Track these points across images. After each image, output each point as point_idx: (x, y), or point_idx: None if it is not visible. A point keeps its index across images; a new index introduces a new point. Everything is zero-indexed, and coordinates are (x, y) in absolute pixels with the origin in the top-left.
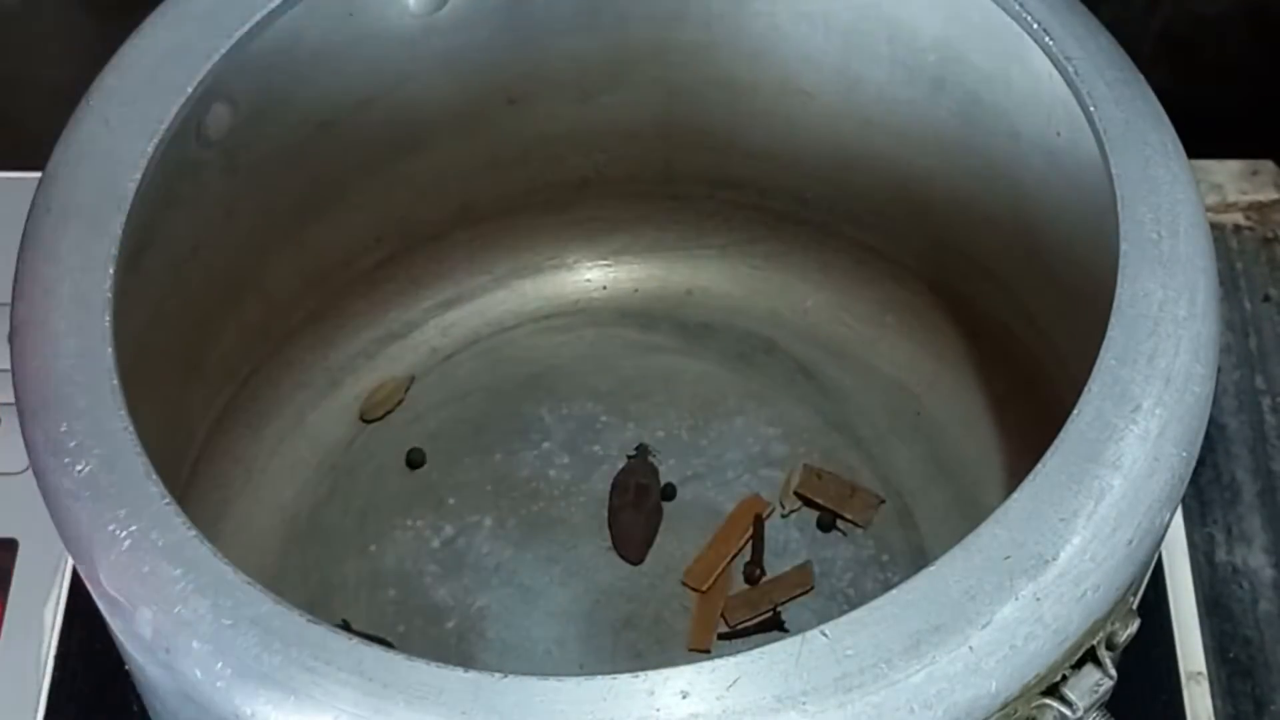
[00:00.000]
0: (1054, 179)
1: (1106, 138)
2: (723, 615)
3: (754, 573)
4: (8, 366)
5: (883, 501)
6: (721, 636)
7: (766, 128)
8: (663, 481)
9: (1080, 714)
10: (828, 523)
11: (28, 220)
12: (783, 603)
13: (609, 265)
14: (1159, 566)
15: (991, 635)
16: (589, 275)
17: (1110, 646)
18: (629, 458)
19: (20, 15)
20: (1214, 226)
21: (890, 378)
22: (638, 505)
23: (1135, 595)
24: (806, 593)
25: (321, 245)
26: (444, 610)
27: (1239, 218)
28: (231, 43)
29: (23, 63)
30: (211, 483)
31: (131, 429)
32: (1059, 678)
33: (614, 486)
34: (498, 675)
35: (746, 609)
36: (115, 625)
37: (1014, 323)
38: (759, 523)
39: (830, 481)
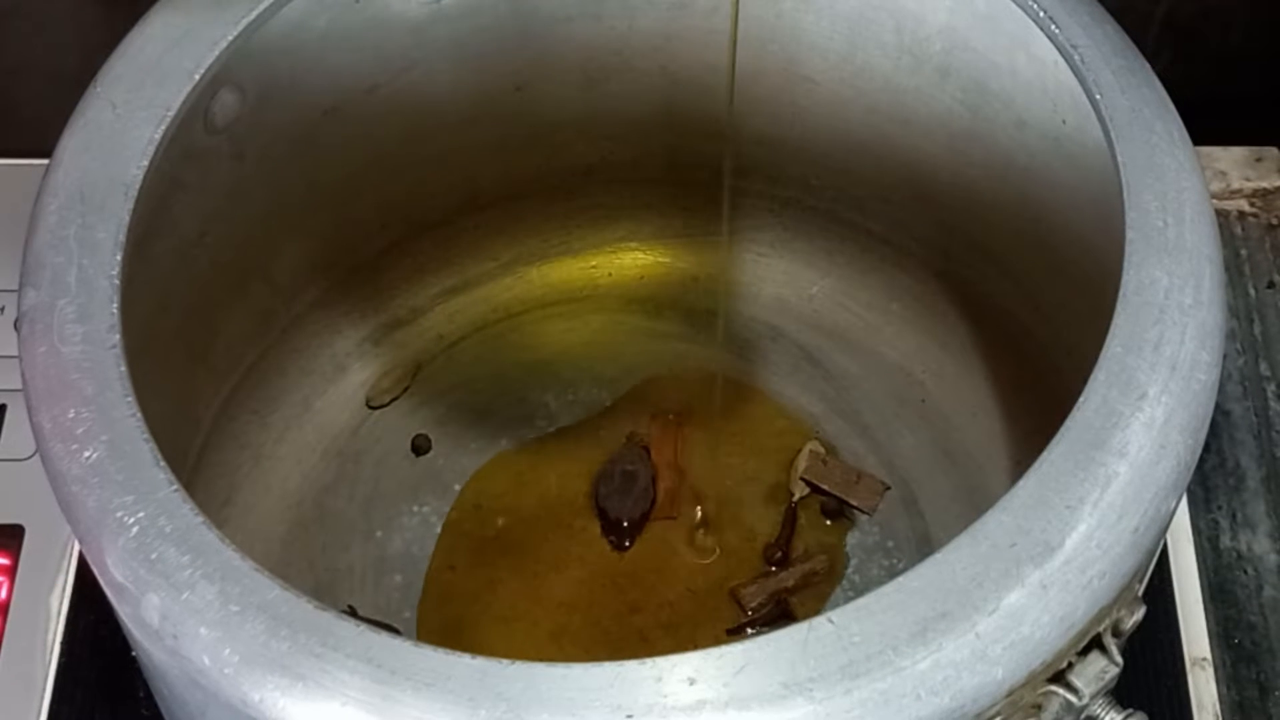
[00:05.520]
0: (1060, 166)
1: (1112, 125)
2: (739, 600)
3: (774, 554)
4: (15, 353)
5: (888, 488)
6: (730, 631)
7: (772, 115)
8: None
9: (1086, 701)
10: (833, 509)
11: (34, 207)
12: (797, 590)
13: (614, 252)
14: (1164, 553)
15: (998, 622)
16: (594, 262)
17: (1116, 633)
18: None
19: (26, 1)
20: (1219, 213)
21: (895, 364)
22: (624, 492)
23: (1141, 582)
24: (828, 583)
25: (328, 232)
26: None
27: (1244, 204)
28: (239, 29)
29: (29, 49)
30: (218, 469)
31: (139, 415)
32: (1065, 665)
33: (600, 475)
34: (505, 662)
35: (764, 595)
36: (122, 611)
37: (1019, 310)
38: (791, 509)
39: (835, 468)
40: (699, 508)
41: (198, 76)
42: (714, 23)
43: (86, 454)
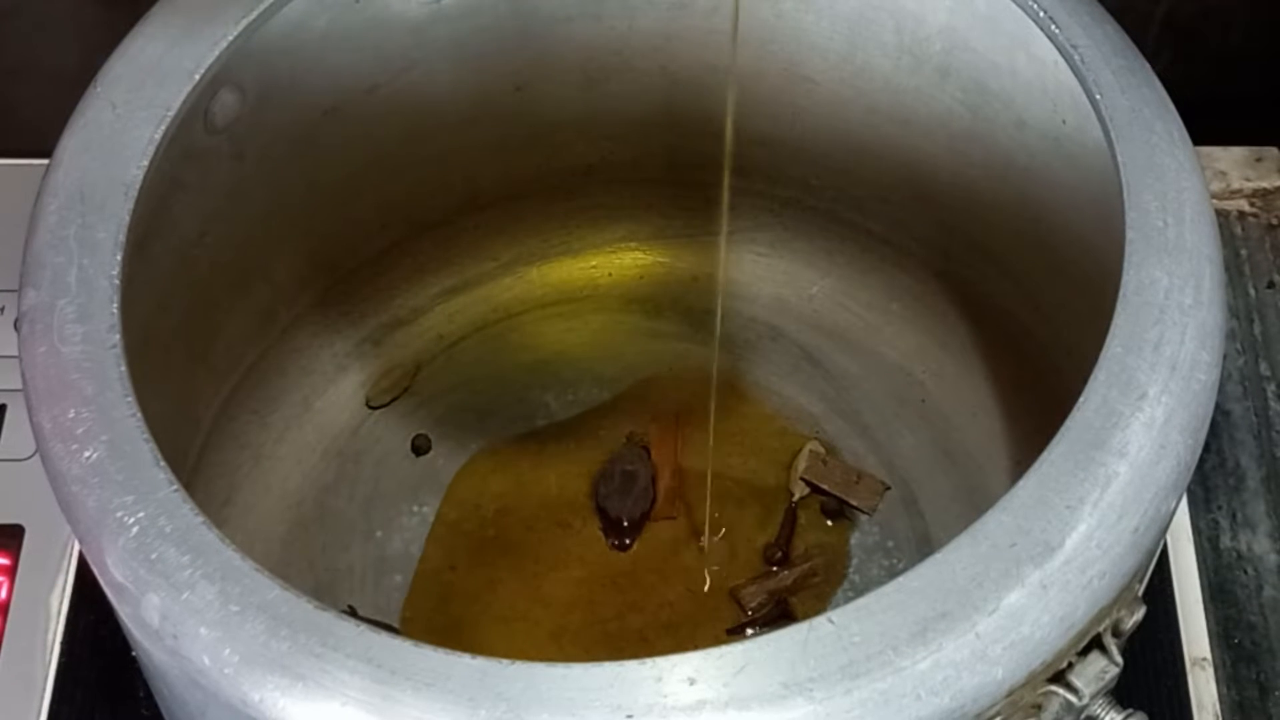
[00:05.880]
0: (1060, 167)
1: (1112, 125)
2: (739, 600)
3: (774, 554)
4: (15, 353)
5: (888, 488)
6: (730, 631)
7: (772, 115)
8: None
9: (1086, 701)
10: (833, 509)
11: (34, 207)
12: (797, 590)
13: (614, 252)
14: (1164, 553)
15: (998, 622)
16: (594, 262)
17: (1116, 634)
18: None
19: (26, 1)
20: (1218, 213)
21: (895, 364)
22: (624, 491)
23: (1141, 582)
24: (828, 583)
25: (328, 232)
26: None
27: (1243, 204)
28: (239, 29)
29: (29, 49)
30: (218, 469)
31: (139, 415)
32: (1065, 665)
33: (600, 475)
34: (505, 662)
35: (764, 595)
36: (122, 612)
37: (1020, 310)
38: (791, 509)
39: (835, 468)
40: (699, 508)
41: (198, 76)
42: (714, 23)
43: (86, 454)
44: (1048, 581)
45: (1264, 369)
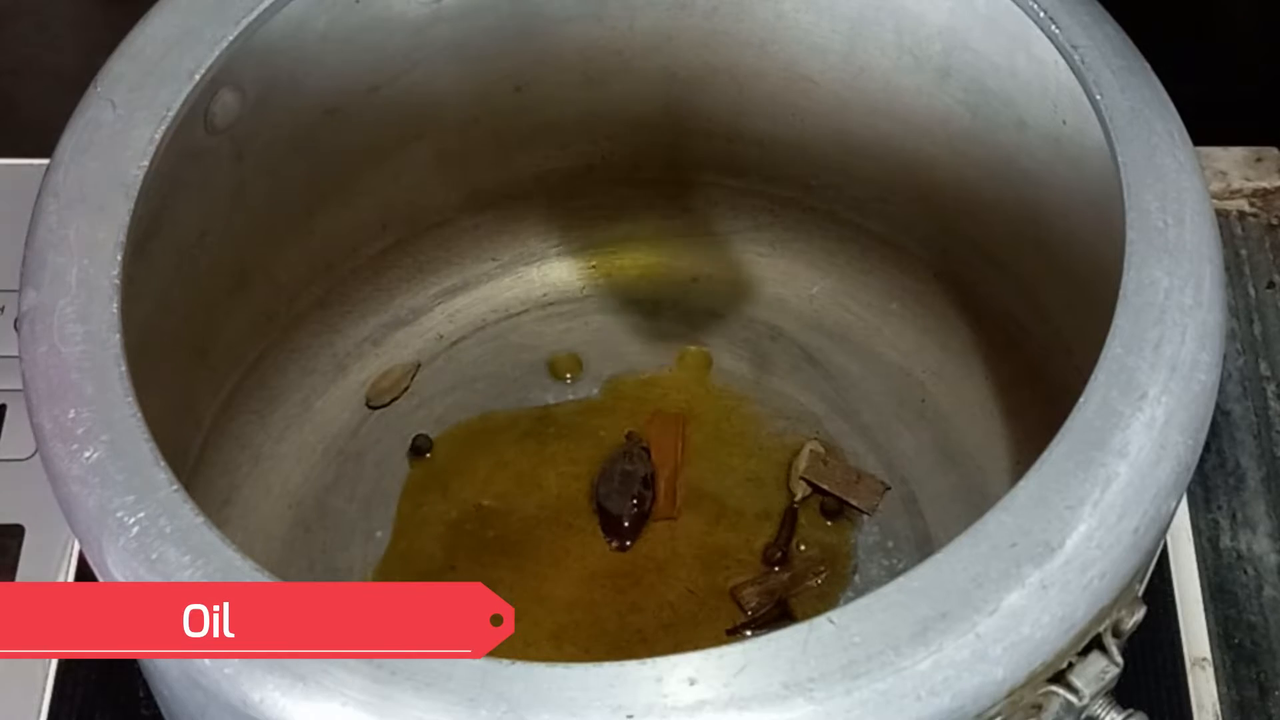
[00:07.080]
0: (1060, 167)
1: (1113, 125)
2: (739, 600)
3: (774, 554)
4: (15, 353)
5: (888, 488)
6: (730, 631)
7: (772, 115)
8: None
9: (1086, 701)
10: (833, 509)
11: (35, 207)
12: (797, 590)
13: (614, 252)
14: (1164, 553)
15: (998, 622)
16: (594, 262)
17: (1116, 634)
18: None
19: (26, 1)
20: (1218, 213)
21: (895, 365)
22: (623, 491)
23: (1141, 583)
24: (828, 583)
25: (328, 232)
26: None
27: (1243, 204)
28: (239, 29)
29: (29, 49)
30: (218, 469)
31: (139, 415)
32: (1065, 665)
33: (600, 475)
34: (505, 662)
35: (764, 595)
36: None
37: (1020, 310)
38: (791, 509)
39: (836, 467)
40: (699, 508)
41: (198, 76)
42: (714, 23)
43: (86, 454)
44: (1048, 581)
45: (1264, 369)
